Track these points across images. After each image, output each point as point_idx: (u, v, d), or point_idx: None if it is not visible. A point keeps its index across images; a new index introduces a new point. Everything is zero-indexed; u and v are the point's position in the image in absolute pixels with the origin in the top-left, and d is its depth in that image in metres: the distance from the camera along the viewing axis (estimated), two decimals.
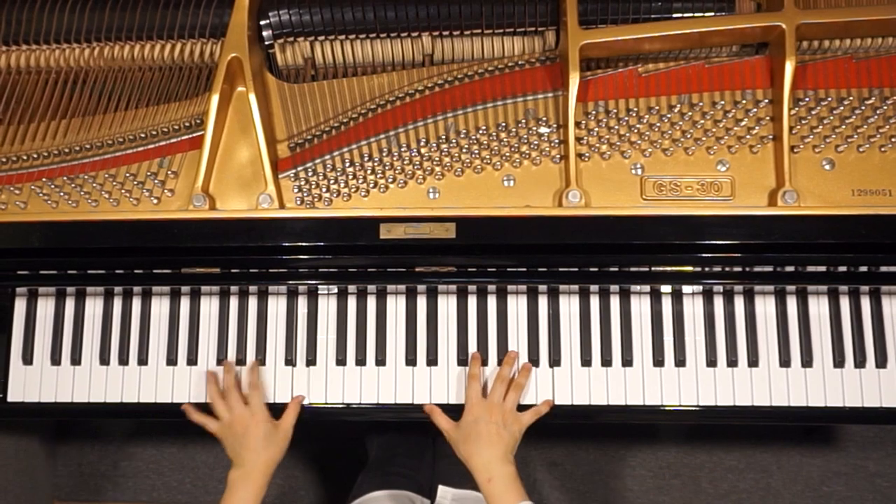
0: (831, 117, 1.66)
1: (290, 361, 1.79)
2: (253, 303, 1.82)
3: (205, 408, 1.76)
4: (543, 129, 1.69)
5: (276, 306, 1.82)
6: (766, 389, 1.75)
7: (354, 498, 1.86)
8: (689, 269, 1.69)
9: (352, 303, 1.82)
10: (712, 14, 1.71)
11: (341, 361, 1.79)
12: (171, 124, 1.70)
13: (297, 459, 2.76)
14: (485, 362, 1.77)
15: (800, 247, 1.62)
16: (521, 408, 1.72)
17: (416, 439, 2.17)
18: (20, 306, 1.84)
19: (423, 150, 1.68)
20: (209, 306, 1.83)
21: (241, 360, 1.80)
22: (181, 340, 1.82)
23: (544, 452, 2.71)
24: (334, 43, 1.76)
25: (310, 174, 1.68)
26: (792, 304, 1.78)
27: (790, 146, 1.63)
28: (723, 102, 1.67)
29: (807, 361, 1.75)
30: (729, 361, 1.76)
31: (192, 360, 1.81)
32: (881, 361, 1.75)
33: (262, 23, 1.73)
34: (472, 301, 1.81)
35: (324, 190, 1.67)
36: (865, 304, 1.77)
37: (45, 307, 1.84)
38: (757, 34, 1.68)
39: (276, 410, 1.75)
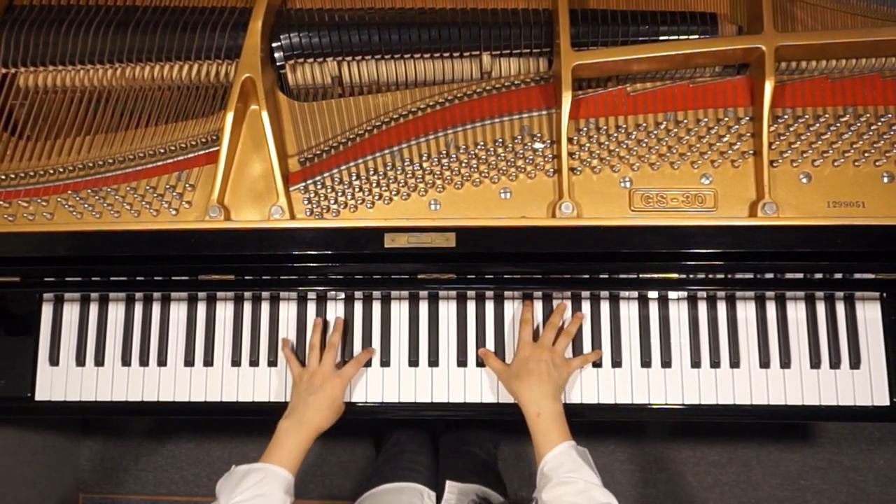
0: (808, 134, 1.66)
1: (300, 363, 1.78)
2: (265, 307, 1.82)
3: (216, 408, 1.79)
4: (538, 145, 1.68)
5: (287, 311, 1.82)
6: (747, 389, 1.75)
7: (366, 490, 1.85)
8: (675, 275, 1.69)
9: (358, 307, 1.81)
10: (696, 37, 1.71)
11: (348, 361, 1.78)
12: (189, 140, 1.70)
13: (310, 455, 2.75)
14: (483, 363, 1.77)
15: (778, 255, 1.61)
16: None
17: (421, 436, 2.17)
18: (47, 311, 1.84)
19: (425, 165, 1.68)
20: (224, 311, 1.82)
21: (254, 362, 1.80)
22: (198, 343, 1.81)
23: None
24: (342, 64, 1.75)
25: (319, 187, 1.68)
26: (771, 308, 1.77)
27: (769, 161, 1.63)
28: (706, 120, 1.67)
29: (785, 363, 1.74)
30: (712, 363, 1.75)
31: (208, 361, 1.80)
32: (855, 363, 1.74)
33: (273, 45, 1.73)
34: (471, 306, 1.80)
35: (332, 202, 1.67)
36: (840, 308, 1.77)
37: (71, 312, 1.84)
38: (738, 56, 1.67)
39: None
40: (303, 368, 1.72)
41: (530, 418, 1.59)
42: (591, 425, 1.83)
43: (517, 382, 1.64)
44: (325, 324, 1.80)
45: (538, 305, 1.79)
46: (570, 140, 1.66)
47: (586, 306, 1.79)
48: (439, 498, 1.80)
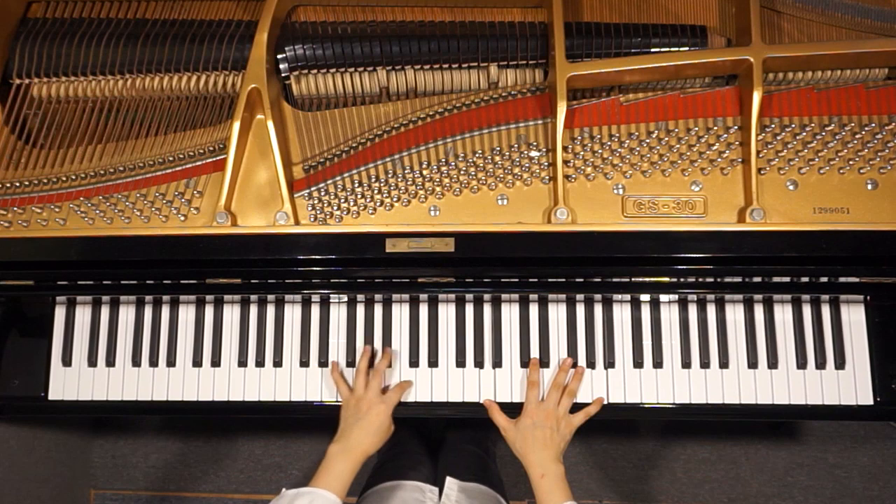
0: (794, 142, 1.66)
1: (304, 363, 1.78)
2: (271, 310, 1.82)
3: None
4: (534, 153, 1.68)
5: (292, 313, 1.81)
6: (736, 388, 1.75)
7: (369, 487, 1.84)
8: (666, 279, 1.69)
9: (360, 310, 1.81)
10: (687, 49, 1.71)
11: (351, 363, 1.78)
12: (197, 149, 1.70)
13: (314, 453, 2.75)
14: (481, 364, 1.77)
15: (766, 260, 1.61)
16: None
17: (420, 437, 2.17)
18: (60, 313, 1.84)
19: (425, 172, 1.68)
20: (231, 313, 1.82)
21: (259, 363, 1.79)
22: (206, 344, 1.81)
23: None
24: (345, 75, 1.75)
25: (322, 194, 1.68)
26: (759, 311, 1.77)
27: (757, 168, 1.63)
28: (696, 129, 1.67)
29: (772, 363, 1.74)
30: (702, 363, 1.75)
31: (215, 362, 1.80)
32: (840, 363, 1.74)
33: (279, 56, 1.73)
34: (469, 309, 1.80)
35: (335, 208, 1.67)
36: (826, 311, 1.77)
37: (83, 314, 1.83)
38: (727, 67, 1.67)
39: (295, 408, 1.78)
40: (350, 393, 1.71)
41: (534, 478, 1.60)
42: (586, 423, 1.83)
43: (523, 445, 1.64)
44: (374, 352, 1.80)
45: (533, 309, 1.79)
46: (564, 148, 1.66)
47: (580, 309, 1.78)
48: (440, 494, 1.80)
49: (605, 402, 1.75)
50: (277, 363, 1.79)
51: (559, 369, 1.74)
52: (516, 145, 1.69)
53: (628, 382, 1.76)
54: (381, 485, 1.83)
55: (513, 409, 1.71)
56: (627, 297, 1.77)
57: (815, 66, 1.69)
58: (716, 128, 1.68)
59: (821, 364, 1.74)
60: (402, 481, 1.83)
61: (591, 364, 1.76)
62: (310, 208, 1.67)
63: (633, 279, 1.69)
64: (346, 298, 1.80)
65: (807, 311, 1.77)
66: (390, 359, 1.77)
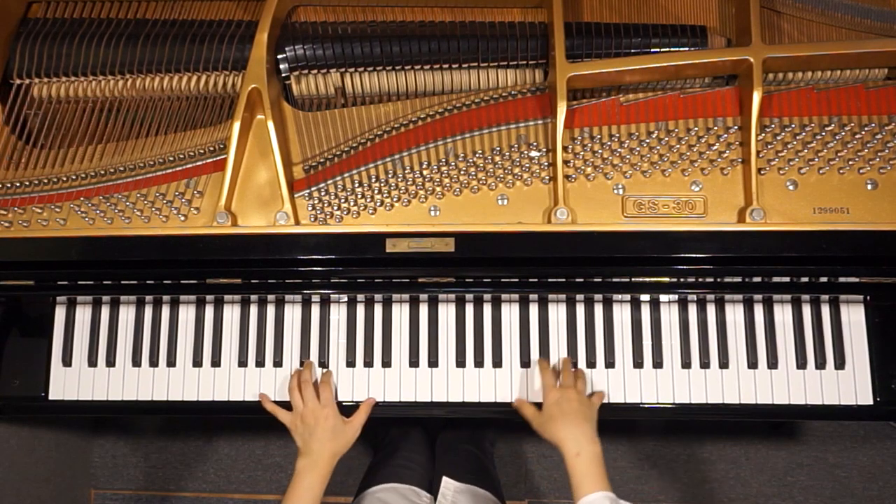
0: (794, 142, 1.66)
1: (304, 364, 1.78)
2: (271, 310, 1.82)
3: (212, 408, 1.81)
4: (534, 153, 1.68)
5: (292, 313, 1.81)
6: (736, 388, 1.75)
7: (363, 489, 1.85)
8: (666, 279, 1.69)
9: (360, 310, 1.81)
10: (687, 49, 1.71)
11: (351, 363, 1.78)
12: (197, 149, 1.70)
13: None
14: (481, 364, 1.77)
15: (766, 260, 1.61)
16: None
17: (417, 435, 2.16)
18: (60, 313, 1.84)
19: (425, 172, 1.68)
20: (231, 313, 1.82)
21: (260, 363, 1.79)
22: (206, 344, 1.81)
23: (533, 445, 2.69)
24: (345, 75, 1.75)
25: (322, 194, 1.68)
26: (759, 311, 1.77)
27: (757, 168, 1.63)
28: (696, 129, 1.67)
29: (772, 363, 1.74)
30: (702, 363, 1.75)
31: (215, 362, 1.80)
32: (839, 363, 1.74)
33: (279, 57, 1.73)
34: (470, 309, 1.80)
35: (335, 208, 1.67)
36: (825, 311, 1.77)
37: (83, 314, 1.83)
38: (727, 67, 1.67)
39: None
40: (291, 415, 1.70)
41: (569, 457, 1.54)
42: None
43: (553, 424, 1.60)
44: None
45: (534, 309, 1.79)
46: (564, 148, 1.66)
47: (580, 309, 1.79)
48: (434, 498, 1.79)
49: (605, 402, 1.75)
50: (278, 363, 1.79)
51: (563, 363, 1.74)
52: (516, 145, 1.69)
53: (628, 382, 1.76)
54: (377, 486, 1.83)
55: (513, 410, 1.72)
56: (627, 297, 1.77)
57: (815, 66, 1.69)
58: (716, 128, 1.68)
59: (820, 364, 1.74)
60: (398, 484, 1.84)
61: (591, 364, 1.76)
62: (310, 208, 1.67)
63: (633, 279, 1.69)
64: (346, 298, 1.80)
65: (806, 311, 1.77)
66: (309, 366, 1.77)
